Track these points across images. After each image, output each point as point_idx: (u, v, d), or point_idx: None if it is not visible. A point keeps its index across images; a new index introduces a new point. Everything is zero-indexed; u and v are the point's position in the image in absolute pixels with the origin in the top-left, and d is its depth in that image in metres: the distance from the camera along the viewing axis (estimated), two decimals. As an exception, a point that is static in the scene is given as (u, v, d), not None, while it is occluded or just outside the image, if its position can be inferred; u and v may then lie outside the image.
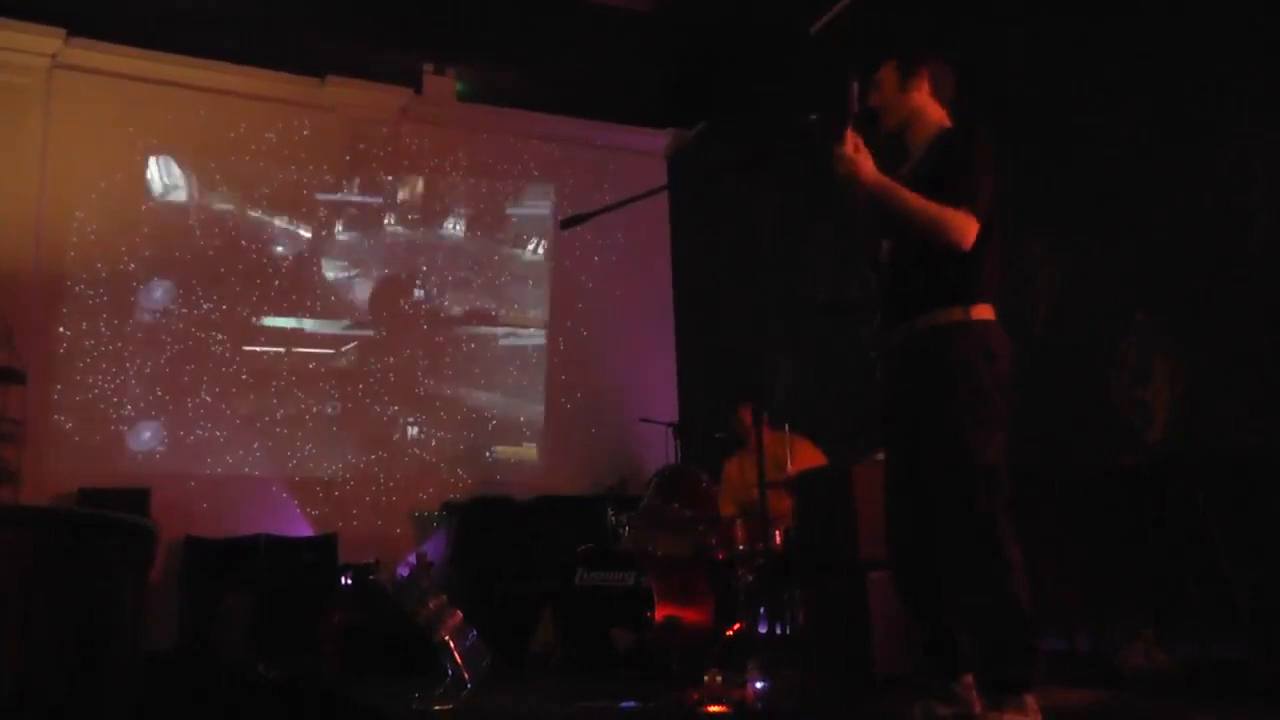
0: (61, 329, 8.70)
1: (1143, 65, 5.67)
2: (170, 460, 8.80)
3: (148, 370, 8.87)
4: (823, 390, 8.03)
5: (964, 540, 3.26)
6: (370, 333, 9.73)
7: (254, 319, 9.35)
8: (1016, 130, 6.20)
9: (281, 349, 9.40)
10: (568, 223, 4.20)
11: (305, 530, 8.88)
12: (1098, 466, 5.38)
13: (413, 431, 9.73)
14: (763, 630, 6.01)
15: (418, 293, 9.98)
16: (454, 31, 9.11)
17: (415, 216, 10.08)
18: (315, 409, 9.38)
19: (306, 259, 9.64)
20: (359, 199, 9.90)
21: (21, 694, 3.05)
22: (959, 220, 3.28)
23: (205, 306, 9.20)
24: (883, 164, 3.44)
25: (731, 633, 5.65)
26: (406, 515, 9.41)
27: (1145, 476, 5.11)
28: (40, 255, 8.63)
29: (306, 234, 9.67)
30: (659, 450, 8.57)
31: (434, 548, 8.80)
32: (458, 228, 10.24)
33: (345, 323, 9.67)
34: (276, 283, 9.47)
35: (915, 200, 3.32)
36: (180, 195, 9.32)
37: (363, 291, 9.78)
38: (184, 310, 9.13)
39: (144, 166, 9.17)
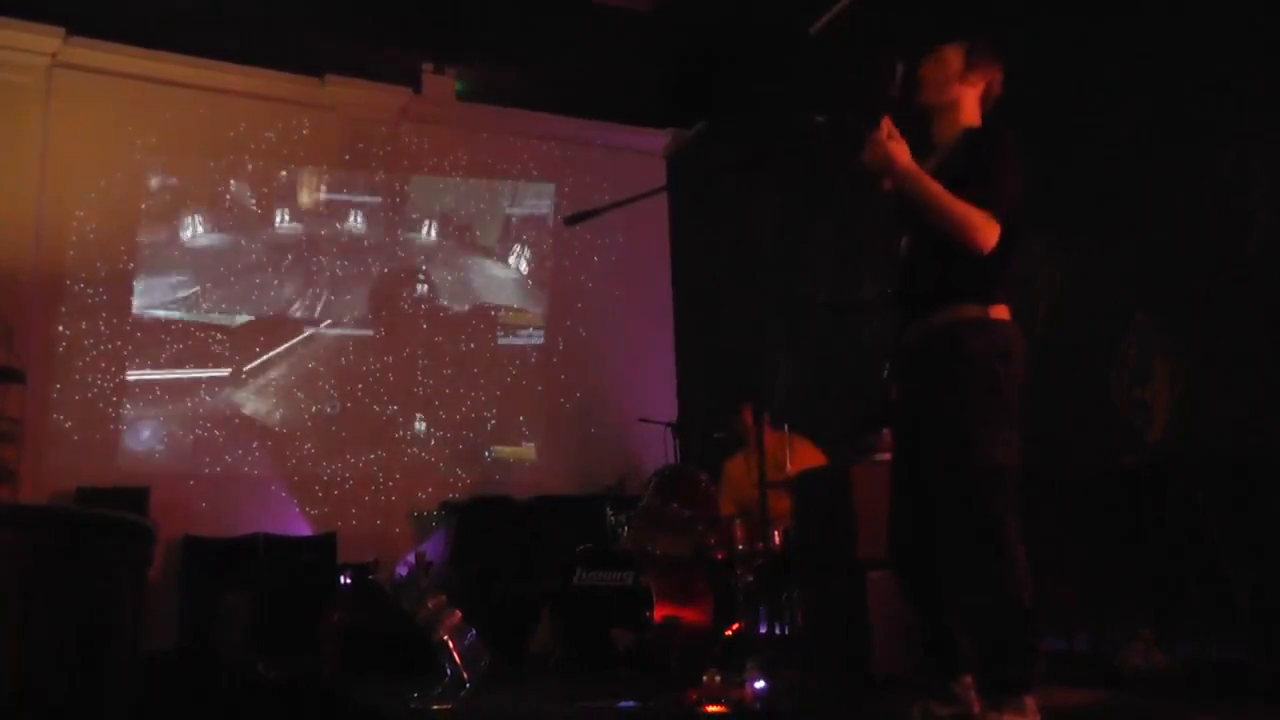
0: (61, 328, 8.69)
1: (1143, 65, 5.67)
2: (169, 459, 8.79)
3: (147, 369, 8.86)
4: (823, 390, 8.02)
5: (969, 539, 3.25)
6: (369, 332, 9.72)
7: (253, 318, 9.34)
8: (1016, 130, 6.19)
9: (281, 348, 9.38)
10: (572, 220, 4.20)
11: (304, 530, 8.88)
12: (1097, 466, 5.38)
13: (412, 431, 9.73)
14: (762, 630, 6.01)
15: (419, 288, 9.97)
16: (454, 31, 9.10)
17: (415, 216, 10.07)
18: (314, 408, 9.38)
19: (305, 258, 9.63)
20: (358, 198, 9.89)
21: (21, 693, 3.05)
22: (983, 222, 3.27)
23: (204, 305, 9.19)
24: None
25: (730, 633, 5.65)
26: (405, 515, 9.40)
27: (1145, 476, 5.11)
28: (40, 254, 8.62)
29: (305, 233, 9.65)
30: (658, 450, 8.57)
31: (433, 547, 8.79)
32: (457, 227, 10.23)
33: (344, 322, 9.66)
34: (275, 282, 9.47)
35: (944, 195, 3.30)
36: (179, 195, 9.30)
37: (362, 291, 9.77)
38: (183, 309, 9.13)
39: (143, 166, 9.16)
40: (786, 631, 5.84)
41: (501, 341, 10.24)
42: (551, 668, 5.88)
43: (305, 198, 9.71)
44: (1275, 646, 4.36)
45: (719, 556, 5.81)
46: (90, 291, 8.81)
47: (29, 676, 3.09)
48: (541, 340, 10.38)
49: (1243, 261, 5.05)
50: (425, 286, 10.02)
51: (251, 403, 9.17)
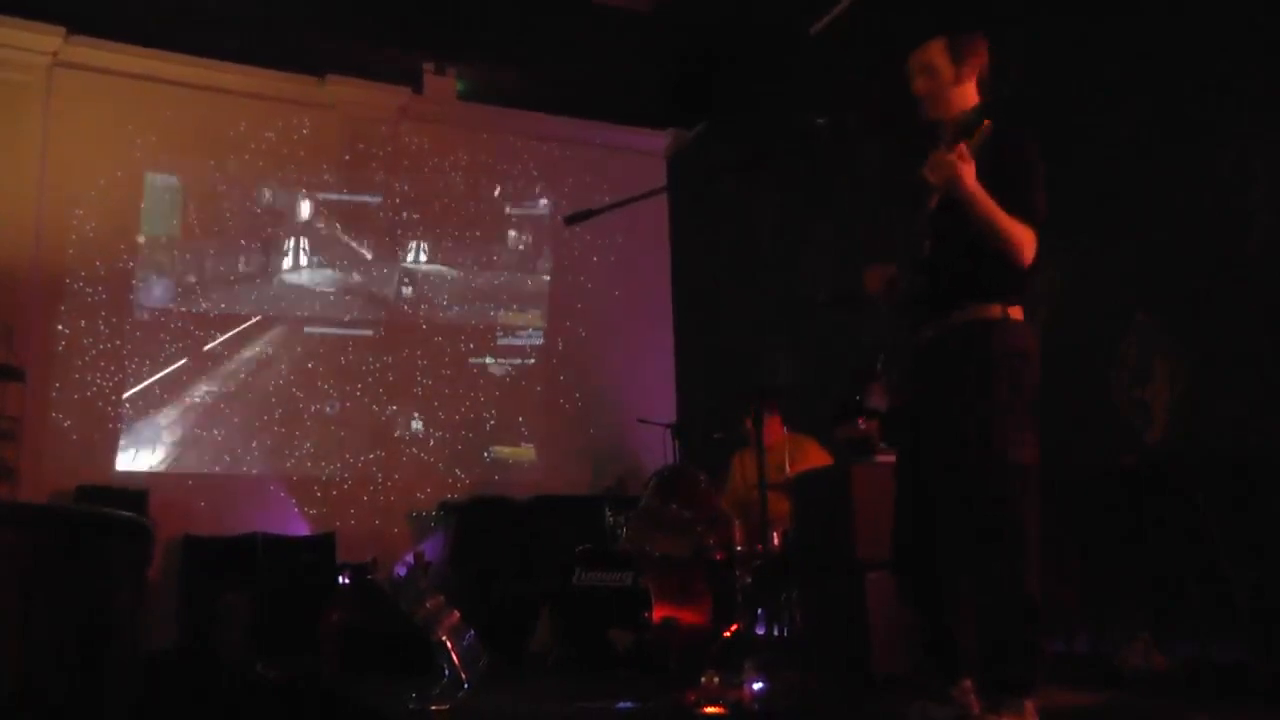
0: (60, 327, 8.69)
1: (1143, 65, 5.67)
2: (168, 459, 8.79)
3: (146, 369, 8.87)
4: (823, 390, 8.01)
5: (989, 537, 3.24)
6: (369, 332, 9.72)
7: (252, 317, 9.34)
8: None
9: (280, 348, 9.38)
10: (572, 219, 4.20)
11: (303, 529, 8.88)
12: (1097, 467, 5.38)
13: (411, 431, 9.73)
14: (760, 631, 6.01)
15: (419, 288, 9.97)
16: (454, 31, 9.10)
17: (415, 216, 10.07)
18: (314, 408, 9.38)
19: (305, 258, 9.63)
20: (358, 198, 9.88)
21: (20, 693, 3.05)
22: (1030, 239, 3.33)
23: (204, 305, 9.19)
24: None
25: (729, 633, 5.65)
26: (404, 515, 9.40)
27: (1144, 477, 5.11)
28: (40, 253, 8.62)
29: (305, 233, 9.65)
30: (657, 451, 8.57)
31: (432, 547, 8.79)
32: (457, 227, 10.22)
33: (344, 322, 9.66)
34: (275, 281, 9.47)
35: (1000, 215, 3.31)
36: (179, 194, 9.31)
37: (361, 291, 9.77)
38: (182, 308, 9.13)
39: (143, 165, 9.16)
40: (785, 632, 5.84)
41: (501, 342, 10.23)
42: (550, 668, 5.88)
43: (305, 197, 9.70)
44: (1275, 647, 4.37)
45: (718, 557, 5.82)
46: (90, 290, 8.81)
47: (28, 676, 3.09)
48: (541, 340, 10.37)
49: (1243, 262, 5.05)
50: (425, 286, 10.02)
51: (250, 402, 9.16)
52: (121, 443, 8.74)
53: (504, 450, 10.04)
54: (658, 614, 5.49)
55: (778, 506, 5.86)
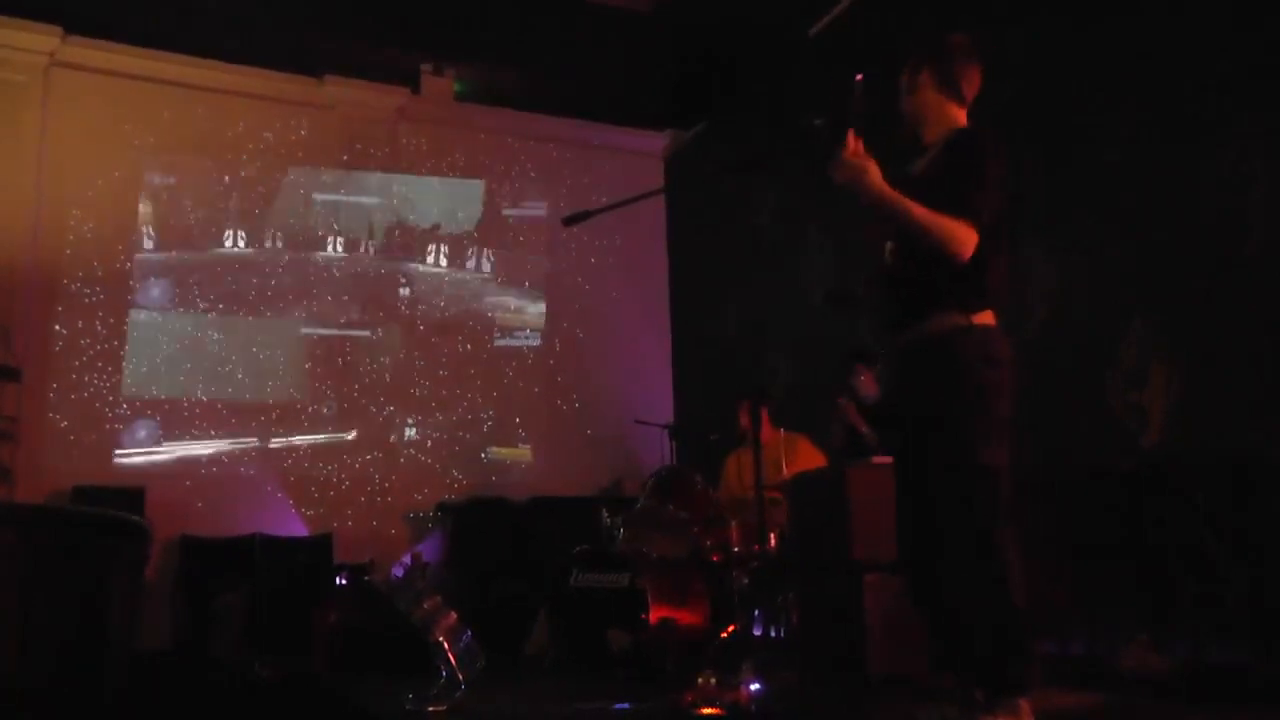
0: (57, 327, 8.68)
1: (1142, 65, 5.67)
2: (165, 459, 8.78)
3: (144, 369, 8.86)
4: (823, 391, 8.02)
5: (960, 543, 3.26)
6: (367, 333, 9.71)
7: (250, 318, 9.34)
8: (1016, 131, 6.20)
9: (277, 349, 9.38)
10: (570, 220, 4.20)
11: (300, 530, 8.87)
12: (1094, 469, 5.38)
13: (408, 432, 9.73)
14: (757, 632, 6.02)
15: (417, 289, 9.97)
16: (452, 31, 9.09)
17: (412, 217, 10.07)
18: (311, 409, 9.37)
19: (303, 259, 9.62)
20: (356, 198, 9.88)
21: (18, 692, 3.05)
22: (959, 231, 3.27)
23: (201, 305, 9.19)
24: (895, 166, 3.42)
25: (726, 634, 5.65)
26: (402, 516, 9.40)
27: (1141, 479, 5.12)
28: (37, 253, 8.61)
29: (303, 234, 9.65)
30: (654, 452, 8.57)
31: (429, 548, 8.79)
32: (455, 228, 10.22)
33: (341, 323, 9.65)
34: (273, 282, 9.46)
35: (917, 211, 3.29)
36: (177, 194, 9.30)
37: (359, 292, 9.76)
38: (180, 309, 9.12)
39: (141, 165, 9.15)
40: (782, 633, 5.85)
41: (498, 343, 10.23)
42: (547, 669, 5.88)
43: (303, 198, 9.69)
44: (1272, 648, 4.37)
45: (715, 558, 5.82)
46: (87, 291, 8.80)
47: (25, 675, 3.09)
48: (539, 342, 10.37)
49: (1241, 264, 5.05)
50: (423, 287, 10.02)
51: (248, 403, 9.16)
52: (119, 443, 8.73)
53: (501, 451, 10.04)
54: (655, 615, 5.49)
55: (773, 507, 5.86)
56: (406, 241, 10.02)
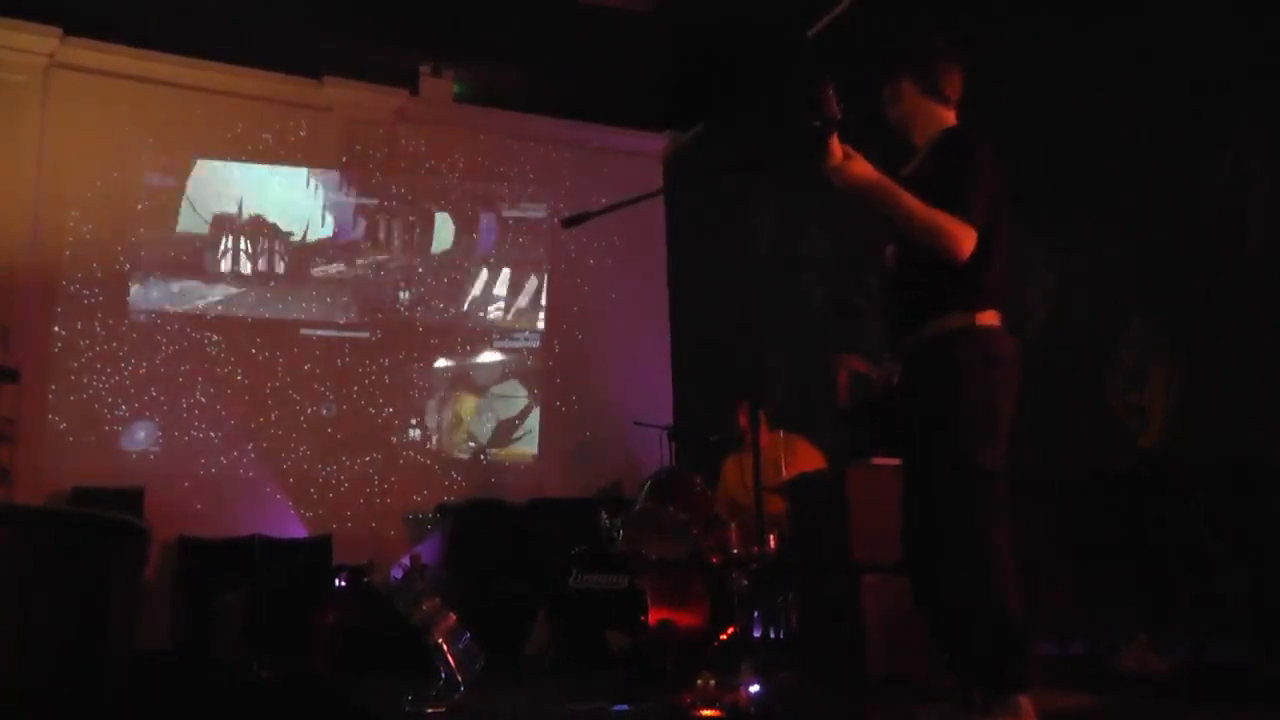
0: (56, 328, 8.68)
1: (1142, 65, 5.67)
2: (164, 460, 8.78)
3: (142, 370, 8.86)
4: (823, 392, 8.01)
5: (959, 542, 3.26)
6: (366, 334, 9.71)
7: (249, 319, 9.34)
8: (1015, 131, 6.21)
9: (277, 350, 9.38)
10: (569, 222, 4.19)
11: (299, 531, 8.87)
12: (1093, 469, 5.38)
13: (408, 434, 9.73)
14: (756, 633, 6.02)
15: (416, 291, 9.97)
16: (452, 32, 9.09)
17: (411, 218, 10.07)
18: (310, 410, 9.37)
19: (302, 260, 9.63)
20: (355, 200, 9.88)
21: (18, 692, 3.05)
22: (956, 229, 3.25)
23: (200, 306, 9.19)
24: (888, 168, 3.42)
25: (725, 635, 5.65)
26: (401, 517, 9.40)
27: (1141, 479, 5.12)
28: (36, 254, 8.61)
29: (302, 235, 9.65)
30: (653, 453, 8.57)
31: (428, 550, 8.79)
32: (454, 230, 10.22)
33: (341, 324, 9.65)
34: (271, 283, 9.47)
35: (915, 204, 3.28)
36: (176, 195, 9.31)
37: (358, 293, 9.77)
38: (179, 310, 9.12)
39: (140, 166, 9.15)
40: (781, 635, 5.85)
41: (497, 344, 10.23)
42: (546, 670, 5.88)
43: (302, 199, 9.69)
44: (1272, 649, 4.37)
45: (714, 560, 5.82)
46: (86, 292, 8.80)
47: (25, 675, 3.09)
48: (538, 343, 10.38)
49: (1241, 264, 5.05)
50: (422, 289, 10.02)
51: (247, 404, 9.15)
52: (117, 444, 8.73)
53: (500, 453, 10.05)
54: (654, 616, 5.49)
55: (773, 507, 5.86)
56: (405, 243, 10.02)
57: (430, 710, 4.41)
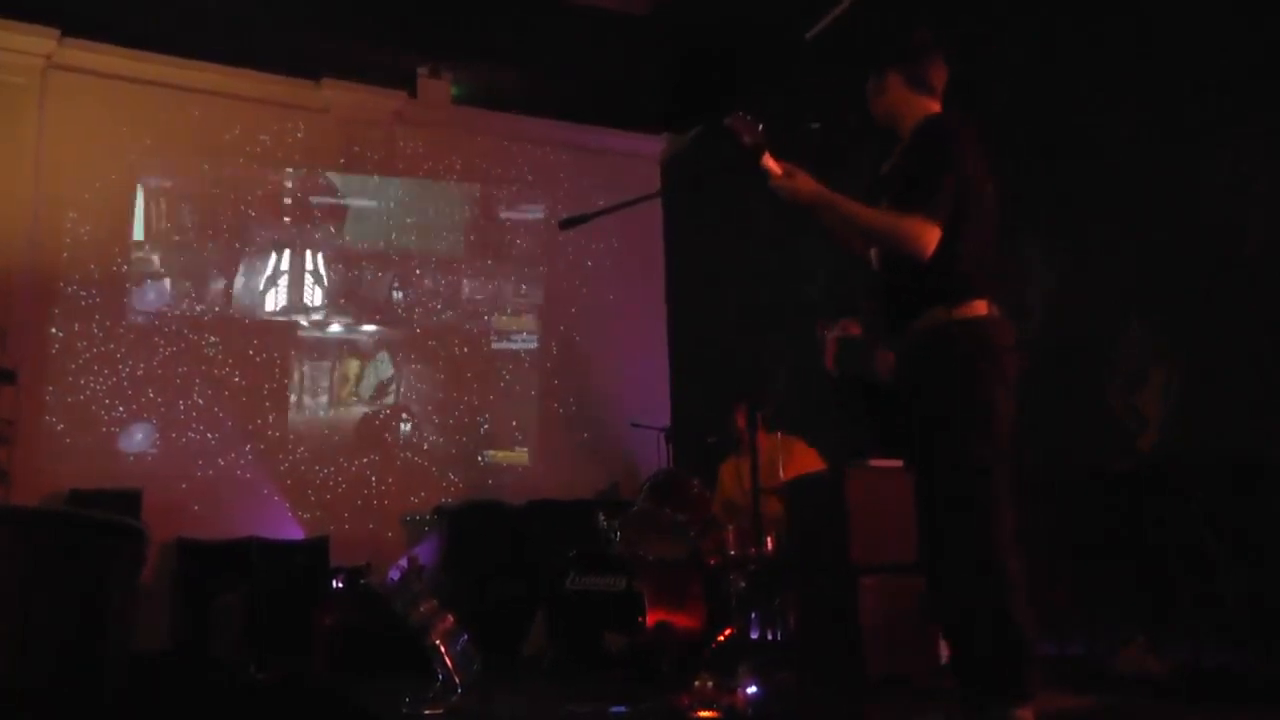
0: (54, 329, 8.67)
1: (1140, 67, 5.67)
2: (162, 462, 8.77)
3: (140, 372, 8.85)
4: (821, 394, 8.01)
5: (959, 542, 3.25)
6: (363, 336, 9.71)
7: (246, 321, 9.34)
8: (1014, 133, 6.21)
9: (274, 352, 9.38)
10: (566, 223, 4.20)
11: (297, 533, 8.86)
12: (1091, 470, 5.38)
13: (405, 435, 9.72)
14: (754, 635, 6.01)
15: (413, 292, 9.96)
16: (450, 34, 9.09)
17: (409, 220, 10.06)
18: (307, 412, 9.37)
19: (299, 261, 9.62)
20: (353, 202, 9.88)
21: (18, 692, 3.05)
22: (912, 228, 3.25)
23: (198, 308, 9.18)
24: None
25: (723, 637, 5.65)
26: (398, 519, 9.39)
27: (1140, 480, 5.12)
28: (33, 255, 8.60)
29: (300, 236, 9.65)
30: (651, 455, 8.57)
31: (426, 551, 8.77)
32: (452, 231, 10.22)
33: (338, 326, 9.65)
34: (269, 285, 9.46)
35: (864, 212, 3.32)
36: (173, 197, 9.30)
37: (356, 295, 9.76)
38: (176, 312, 9.12)
39: (138, 168, 9.14)
40: (779, 636, 5.85)
41: (495, 345, 10.23)
42: (544, 671, 5.88)
43: (299, 201, 9.69)
44: (1271, 650, 4.37)
45: (712, 561, 5.82)
46: (84, 293, 8.79)
47: (25, 675, 3.09)
48: (535, 345, 10.37)
49: (1239, 265, 5.05)
50: (419, 290, 10.01)
51: (244, 405, 9.15)
52: (115, 446, 8.72)
53: (498, 454, 10.04)
54: (652, 618, 5.50)
55: (771, 509, 5.86)
56: (403, 244, 10.02)
57: (428, 711, 4.42)
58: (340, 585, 7.80)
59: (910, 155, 3.46)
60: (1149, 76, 5.63)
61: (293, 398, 9.35)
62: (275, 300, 9.47)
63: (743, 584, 5.78)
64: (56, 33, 8.73)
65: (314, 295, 9.62)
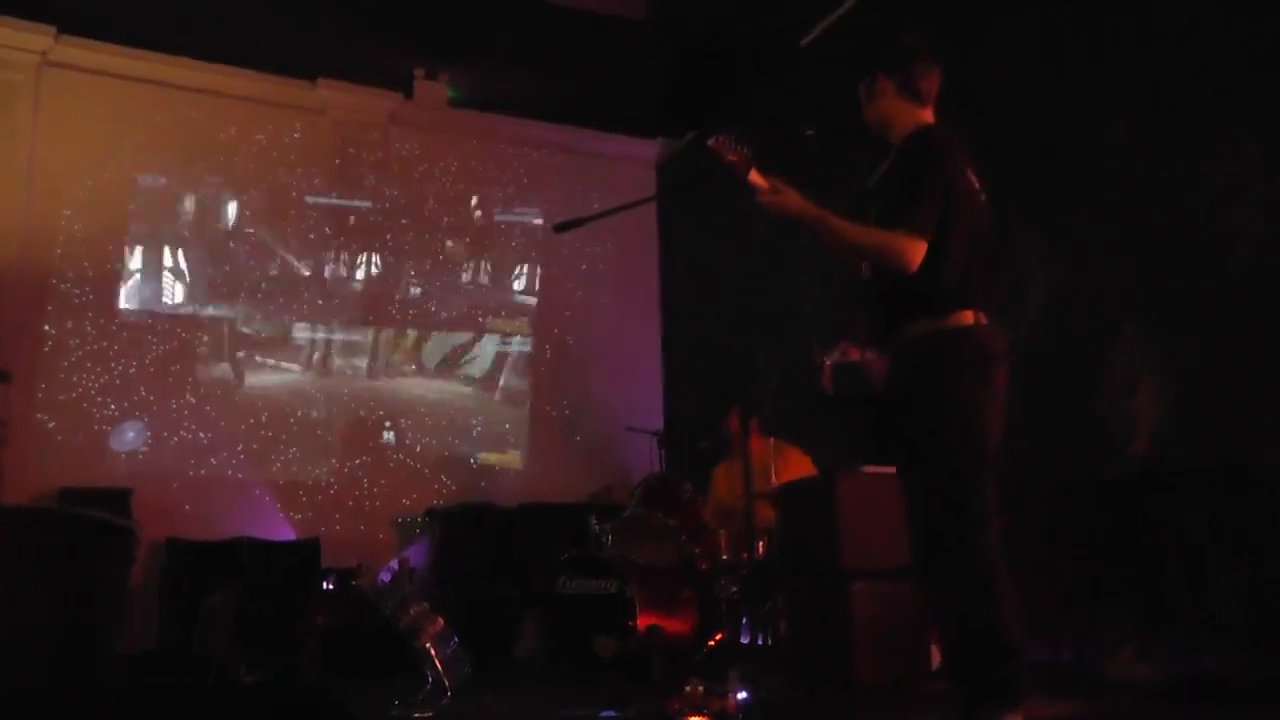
0: (46, 327, 8.66)
1: (1132, 74, 5.67)
2: (153, 461, 8.75)
3: (132, 370, 8.84)
4: (813, 400, 8.01)
5: (944, 548, 3.24)
6: (357, 337, 9.70)
7: (238, 321, 9.33)
8: (1009, 139, 6.21)
9: (267, 351, 9.37)
10: (561, 227, 4.19)
11: (288, 534, 8.85)
12: (1083, 477, 5.39)
13: (397, 437, 9.71)
14: (745, 640, 6.01)
15: (407, 294, 9.96)
16: (446, 36, 9.09)
17: (404, 221, 10.05)
18: (299, 412, 9.35)
19: (293, 262, 9.61)
20: (348, 203, 9.87)
21: (11, 691, 3.04)
22: (896, 244, 3.26)
23: (190, 308, 9.17)
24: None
25: (714, 642, 5.65)
26: (389, 521, 9.38)
27: (1130, 487, 5.12)
28: (27, 253, 8.59)
29: (294, 237, 9.64)
30: (644, 459, 8.56)
31: (417, 554, 8.77)
32: (446, 233, 10.21)
33: (331, 326, 9.64)
34: (263, 285, 9.45)
35: (848, 228, 3.34)
36: (168, 196, 9.29)
37: (349, 296, 9.76)
38: (169, 311, 9.10)
39: (132, 166, 9.13)
40: (770, 641, 5.84)
41: (489, 348, 10.22)
42: (535, 675, 5.87)
43: (295, 201, 9.68)
44: (1261, 656, 4.37)
45: (703, 566, 5.82)
46: (77, 291, 8.78)
47: (17, 674, 3.08)
48: (529, 348, 10.37)
49: (1231, 274, 5.05)
50: (413, 291, 10.01)
51: (236, 406, 9.14)
52: (106, 445, 8.70)
53: (490, 457, 10.03)
54: (642, 622, 5.49)
55: (762, 514, 5.87)
56: (397, 246, 10.01)
57: (416, 714, 4.41)
58: (331, 587, 7.78)
59: (897, 167, 3.46)
60: (1139, 85, 5.63)
61: (285, 398, 9.32)
62: (269, 299, 9.45)
63: (734, 589, 5.78)
64: (52, 30, 8.73)
65: (308, 295, 9.59)
